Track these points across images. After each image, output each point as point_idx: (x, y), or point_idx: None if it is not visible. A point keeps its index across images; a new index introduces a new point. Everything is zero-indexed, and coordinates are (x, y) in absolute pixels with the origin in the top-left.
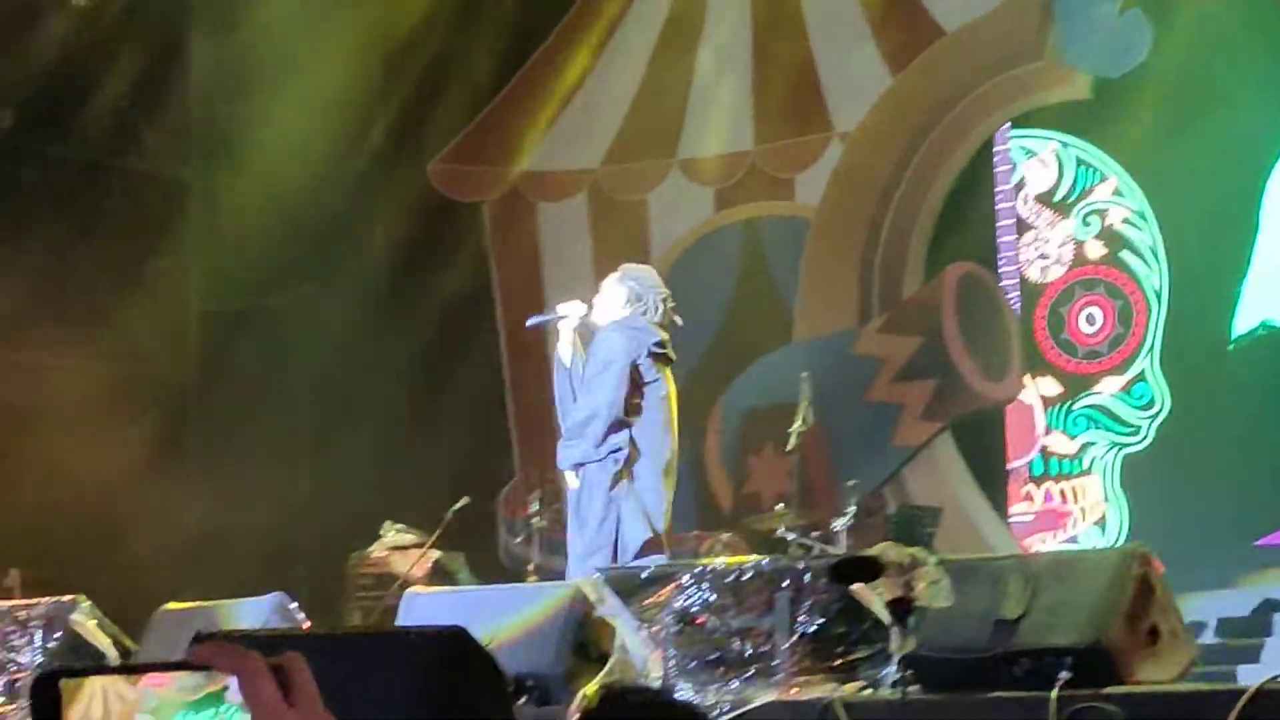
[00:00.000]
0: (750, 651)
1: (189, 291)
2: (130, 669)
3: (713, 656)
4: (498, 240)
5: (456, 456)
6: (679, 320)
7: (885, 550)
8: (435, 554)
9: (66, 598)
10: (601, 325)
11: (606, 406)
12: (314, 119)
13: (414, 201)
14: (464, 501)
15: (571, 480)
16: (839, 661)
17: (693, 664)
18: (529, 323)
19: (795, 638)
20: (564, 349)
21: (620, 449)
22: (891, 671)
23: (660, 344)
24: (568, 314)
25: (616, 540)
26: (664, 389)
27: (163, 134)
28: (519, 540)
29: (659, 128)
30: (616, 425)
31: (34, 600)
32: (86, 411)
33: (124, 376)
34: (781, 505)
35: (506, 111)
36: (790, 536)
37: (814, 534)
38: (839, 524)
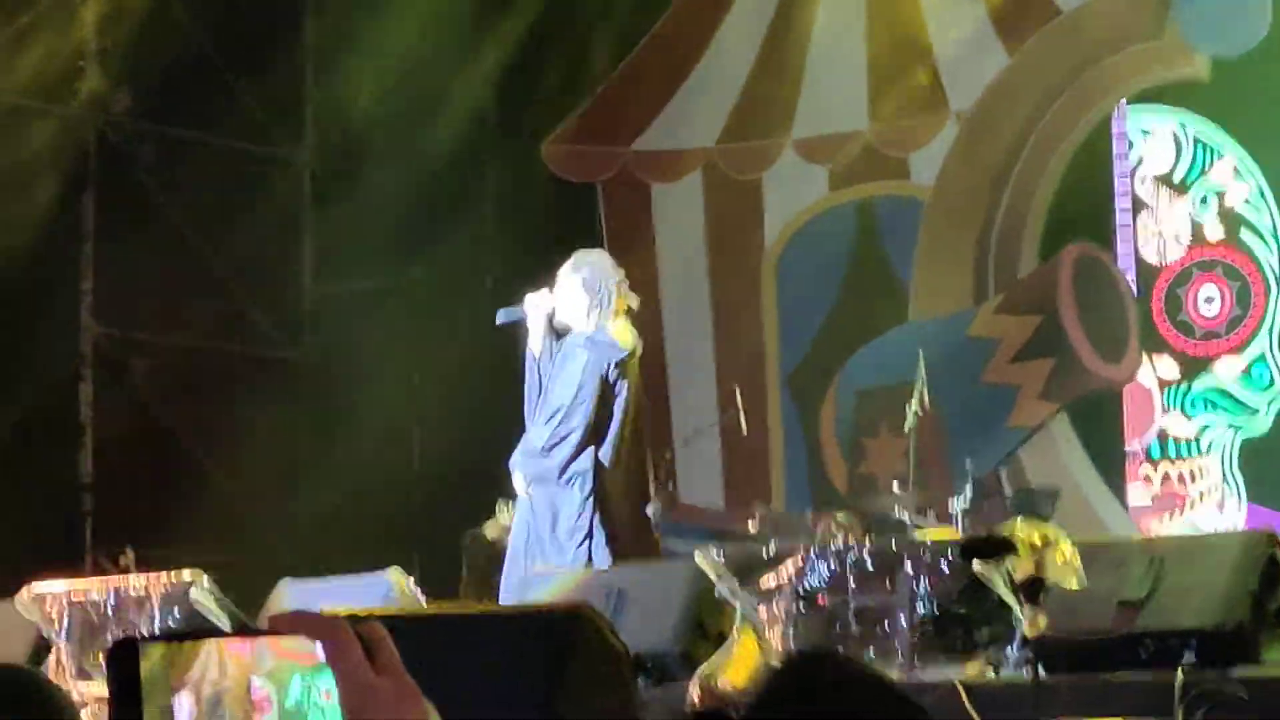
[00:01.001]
0: (870, 631)
1: (303, 272)
2: (215, 634)
3: (832, 636)
4: (612, 222)
5: None
6: (634, 304)
7: (1018, 528)
8: None
9: (185, 574)
10: (567, 327)
11: (579, 433)
12: (427, 100)
13: (527, 183)
14: None
15: (519, 485)
16: (960, 642)
17: (813, 643)
18: (498, 319)
19: (916, 618)
20: (534, 341)
21: (585, 471)
22: (1014, 652)
23: (625, 355)
24: (536, 304)
25: (590, 558)
26: (625, 392)
27: (276, 113)
28: None
29: (773, 106)
30: (580, 449)
31: (151, 578)
32: (203, 391)
33: (239, 355)
34: (897, 486)
35: (621, 91)
36: (906, 517)
37: (929, 515)
38: (955, 505)
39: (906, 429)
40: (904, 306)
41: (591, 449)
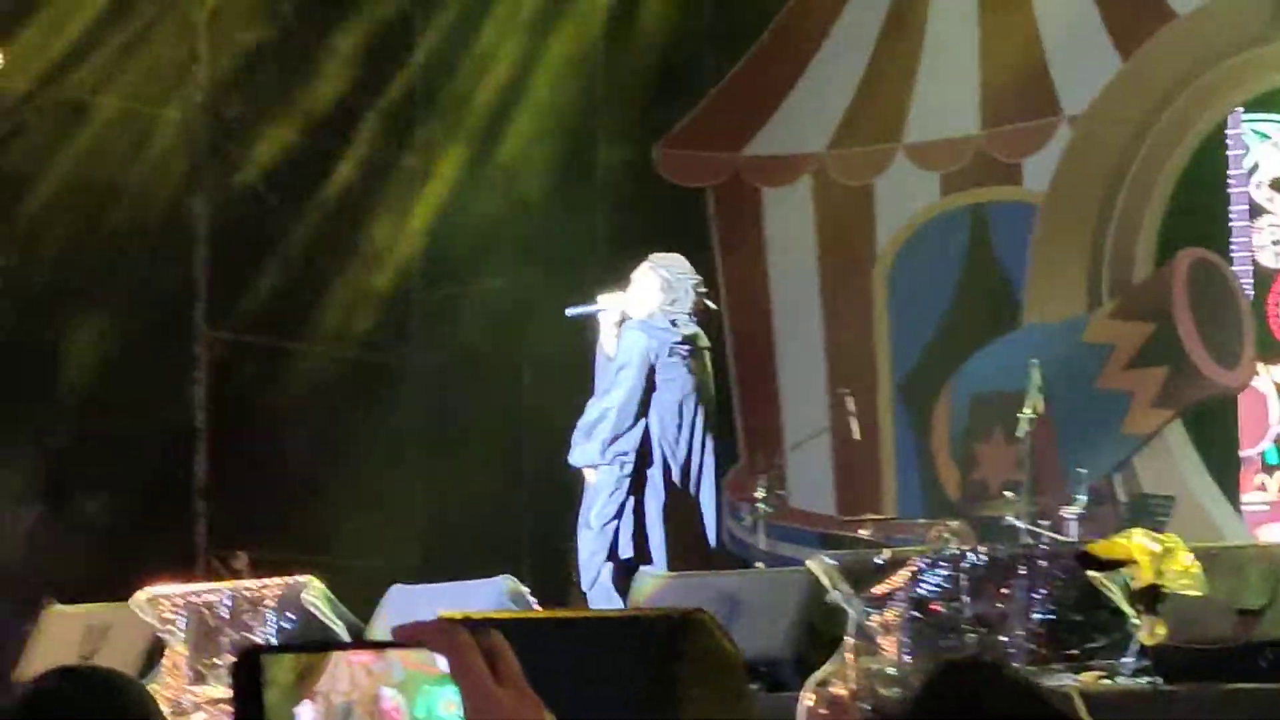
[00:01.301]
0: (984, 639)
1: (411, 273)
2: (339, 646)
3: (946, 643)
4: (722, 226)
5: None
6: (712, 306)
7: (1137, 537)
8: None
9: (299, 578)
10: (631, 320)
11: (617, 410)
12: (536, 102)
13: (639, 186)
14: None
15: (590, 476)
16: (1075, 650)
17: (926, 650)
18: (568, 312)
19: (1030, 625)
20: (607, 341)
21: (626, 453)
22: (1130, 661)
23: (686, 340)
24: (607, 306)
25: (615, 544)
26: (684, 388)
27: (388, 115)
28: (744, 525)
29: (885, 112)
30: (628, 428)
31: (266, 581)
32: (316, 394)
33: (351, 359)
34: (1010, 493)
35: (733, 96)
36: (1019, 524)
37: (1043, 522)
38: (1069, 512)
39: (1020, 435)
40: (1017, 312)
41: (637, 433)
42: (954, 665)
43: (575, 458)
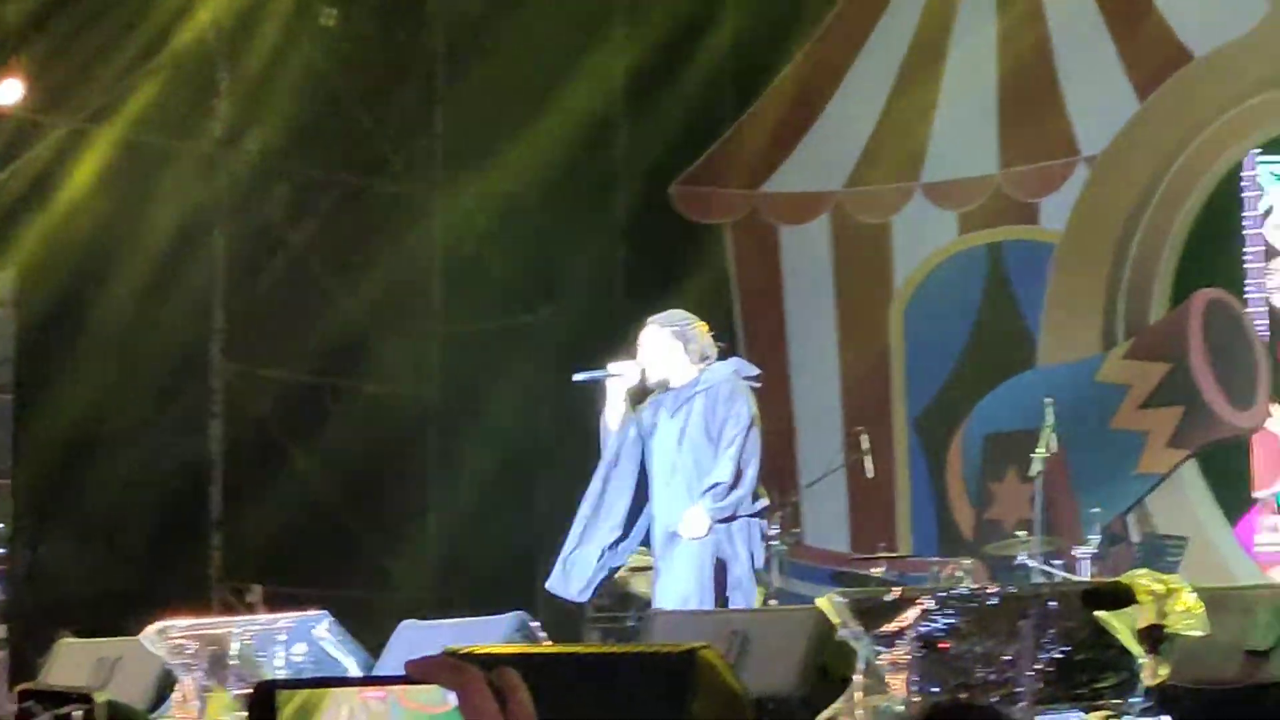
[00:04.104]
0: (994, 678)
1: (433, 310)
2: (349, 683)
3: (956, 682)
4: (739, 263)
5: None
6: (721, 344)
7: (1140, 577)
8: None
9: (310, 613)
10: (664, 383)
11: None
12: (556, 141)
13: (656, 224)
14: None
15: (697, 531)
16: (1084, 690)
17: (936, 689)
18: (576, 378)
19: (1039, 664)
20: (611, 414)
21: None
22: (1138, 700)
23: (749, 378)
24: (621, 373)
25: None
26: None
27: (409, 154)
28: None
29: (902, 150)
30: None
31: (277, 615)
32: (332, 429)
33: (369, 394)
34: (1024, 532)
35: (750, 133)
36: (1033, 564)
37: (1056, 561)
38: (1082, 552)
39: (1034, 474)
40: (1033, 351)
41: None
42: (941, 708)
43: (715, 515)
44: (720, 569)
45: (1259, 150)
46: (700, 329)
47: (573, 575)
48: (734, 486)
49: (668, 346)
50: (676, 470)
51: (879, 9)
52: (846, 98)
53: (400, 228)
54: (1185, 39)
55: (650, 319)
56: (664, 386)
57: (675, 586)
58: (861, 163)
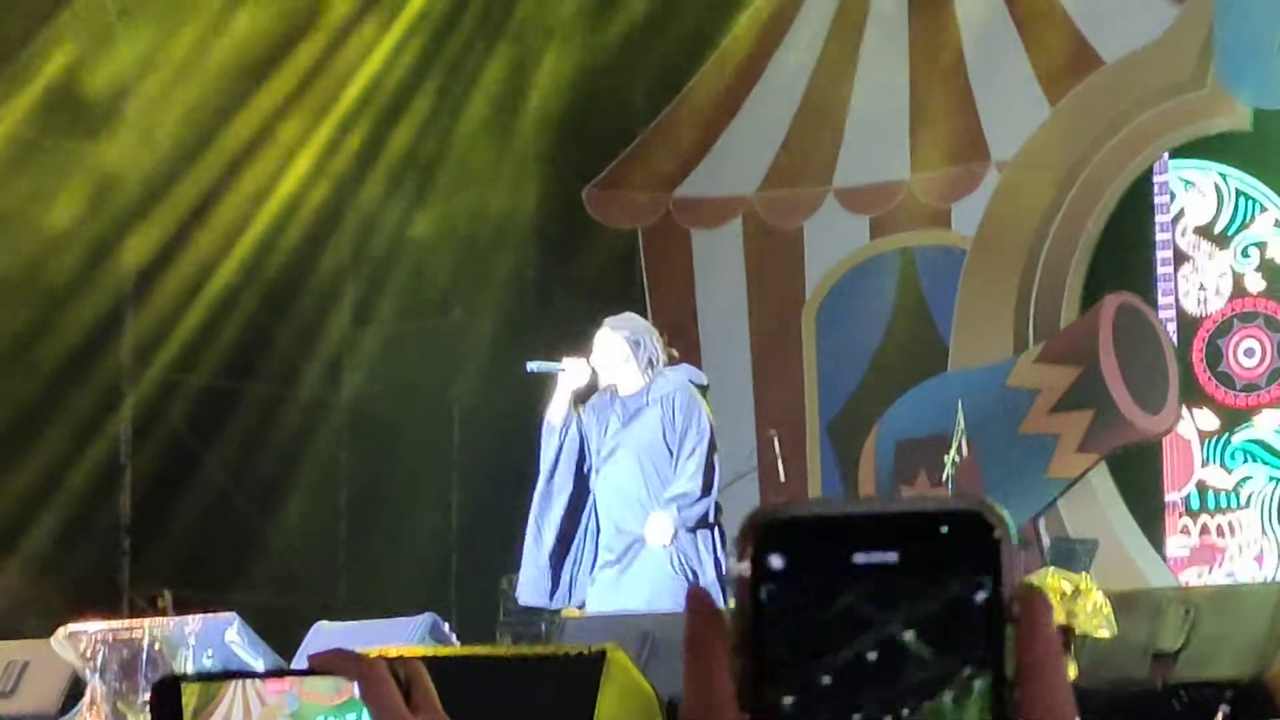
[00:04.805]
0: None
1: (344, 312)
2: (249, 675)
3: None
4: (652, 268)
5: None
6: (674, 353)
7: (1047, 577)
8: None
9: (220, 615)
10: (611, 386)
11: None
12: (471, 145)
13: (569, 228)
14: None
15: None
16: None
17: None
18: (530, 367)
19: None
20: (556, 410)
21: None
22: None
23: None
24: (571, 369)
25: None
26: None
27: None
28: None
29: (815, 155)
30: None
31: (187, 618)
32: (243, 432)
33: (280, 397)
34: None
35: (663, 137)
36: None
37: None
38: None
39: (945, 478)
40: (944, 356)
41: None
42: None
43: (680, 521)
44: (692, 578)
45: (1170, 155)
46: (654, 337)
47: (541, 583)
48: (701, 496)
49: (621, 353)
50: (635, 477)
51: (792, 14)
52: (759, 102)
53: (310, 231)
54: (1096, 44)
55: (606, 321)
56: (611, 392)
57: (640, 590)
58: (774, 168)
